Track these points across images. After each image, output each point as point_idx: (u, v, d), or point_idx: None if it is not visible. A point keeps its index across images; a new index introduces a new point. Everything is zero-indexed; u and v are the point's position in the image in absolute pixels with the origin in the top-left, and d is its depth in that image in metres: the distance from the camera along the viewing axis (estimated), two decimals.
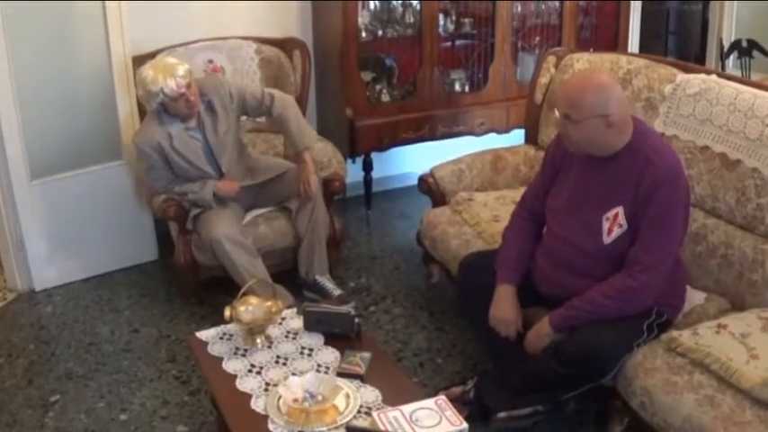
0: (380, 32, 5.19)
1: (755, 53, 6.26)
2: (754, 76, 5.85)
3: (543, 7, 5.51)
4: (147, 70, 3.91)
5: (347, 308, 3.15)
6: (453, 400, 2.76)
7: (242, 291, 3.12)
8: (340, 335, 3.04)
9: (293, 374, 2.77)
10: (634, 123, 2.96)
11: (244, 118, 4.37)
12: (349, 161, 4.97)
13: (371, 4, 5.22)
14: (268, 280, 3.93)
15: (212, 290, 4.23)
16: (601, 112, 2.83)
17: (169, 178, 4.13)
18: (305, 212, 4.17)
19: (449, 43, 5.44)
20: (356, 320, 3.05)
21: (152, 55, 4.64)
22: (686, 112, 3.49)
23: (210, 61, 4.76)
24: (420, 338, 4.04)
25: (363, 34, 5.10)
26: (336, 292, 4.16)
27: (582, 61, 4.17)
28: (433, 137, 5.31)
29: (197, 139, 4.06)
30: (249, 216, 4.28)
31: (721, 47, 6.49)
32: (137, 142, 4.06)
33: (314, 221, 4.17)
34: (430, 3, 5.06)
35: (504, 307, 3.15)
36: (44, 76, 4.32)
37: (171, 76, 3.84)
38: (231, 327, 3.08)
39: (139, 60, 4.57)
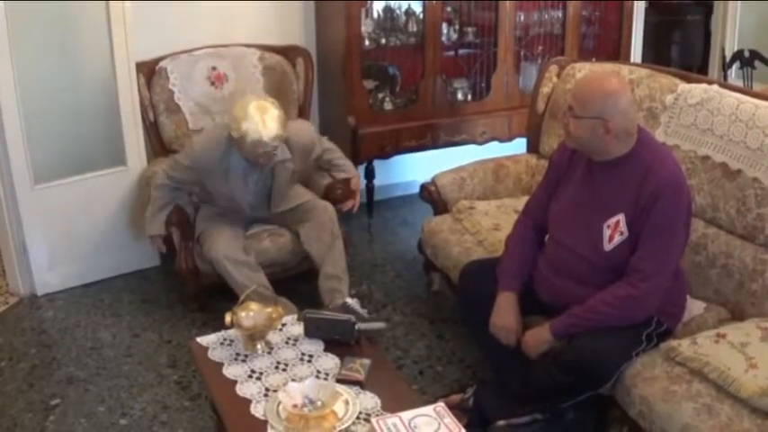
0: (383, 41, 5.21)
1: (758, 63, 6.26)
2: (757, 87, 5.85)
3: (546, 17, 5.52)
4: (253, 109, 3.75)
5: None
6: (452, 408, 2.76)
7: (242, 298, 3.13)
8: (340, 341, 3.04)
9: (293, 380, 2.77)
10: (639, 132, 2.97)
11: None
12: None
13: (375, 13, 5.24)
14: (272, 294, 3.94)
15: (213, 296, 4.24)
16: (601, 116, 2.85)
17: (181, 181, 4.12)
18: (321, 244, 4.12)
19: (451, 52, 5.47)
20: (356, 327, 3.06)
21: (156, 61, 4.67)
22: (687, 122, 3.49)
23: (214, 68, 4.78)
24: (420, 346, 4.04)
25: (366, 42, 5.11)
26: (366, 314, 4.12)
27: (584, 71, 4.17)
28: (435, 145, 5.32)
29: (253, 179, 4.04)
30: (255, 228, 4.27)
31: (723, 57, 6.50)
32: (195, 150, 4.00)
33: (335, 256, 4.13)
34: (433, 12, 5.08)
35: (505, 315, 3.16)
36: (48, 81, 4.34)
37: (262, 133, 3.71)
38: (232, 332, 3.08)
39: (143, 66, 4.60)
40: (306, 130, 4.27)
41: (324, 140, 4.42)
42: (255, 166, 3.97)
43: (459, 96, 5.47)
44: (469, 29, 5.40)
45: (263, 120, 3.73)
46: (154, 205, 4.17)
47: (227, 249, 4.00)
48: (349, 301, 4.07)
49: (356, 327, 3.06)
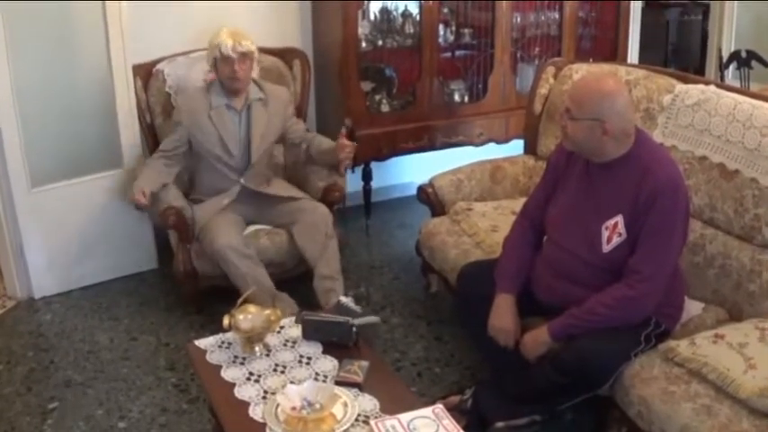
0: (380, 42, 5.20)
1: (755, 64, 6.27)
2: (754, 87, 5.86)
3: (543, 18, 5.52)
4: (222, 30, 4.16)
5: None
6: (451, 410, 2.76)
7: (241, 299, 3.13)
8: (338, 344, 3.04)
9: (291, 383, 2.77)
10: (636, 133, 2.97)
11: None
12: (348, 171, 4.98)
13: (371, 15, 5.23)
14: (272, 289, 3.94)
15: (211, 298, 4.23)
16: (599, 118, 2.85)
17: (172, 148, 4.22)
18: (315, 245, 4.14)
19: (448, 54, 5.45)
20: (354, 329, 3.05)
21: (152, 64, 4.66)
22: (685, 123, 3.50)
23: (210, 71, 4.75)
24: (418, 348, 4.04)
25: (363, 44, 5.11)
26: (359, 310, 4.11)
27: (581, 72, 4.18)
28: (432, 147, 5.31)
29: (234, 120, 4.20)
30: (251, 228, 4.28)
31: (720, 57, 6.51)
32: (179, 101, 4.35)
33: (329, 257, 4.15)
34: (430, 13, 5.07)
35: (503, 316, 3.15)
36: (45, 83, 4.33)
37: (233, 39, 4.07)
38: (230, 335, 3.08)
39: (140, 69, 4.59)
40: (281, 87, 4.51)
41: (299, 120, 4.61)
42: (233, 94, 4.18)
43: (456, 98, 5.47)
44: (466, 30, 5.39)
45: (233, 32, 4.14)
46: (144, 171, 4.25)
47: (230, 240, 4.01)
48: (342, 299, 4.06)
49: (353, 327, 3.05)
